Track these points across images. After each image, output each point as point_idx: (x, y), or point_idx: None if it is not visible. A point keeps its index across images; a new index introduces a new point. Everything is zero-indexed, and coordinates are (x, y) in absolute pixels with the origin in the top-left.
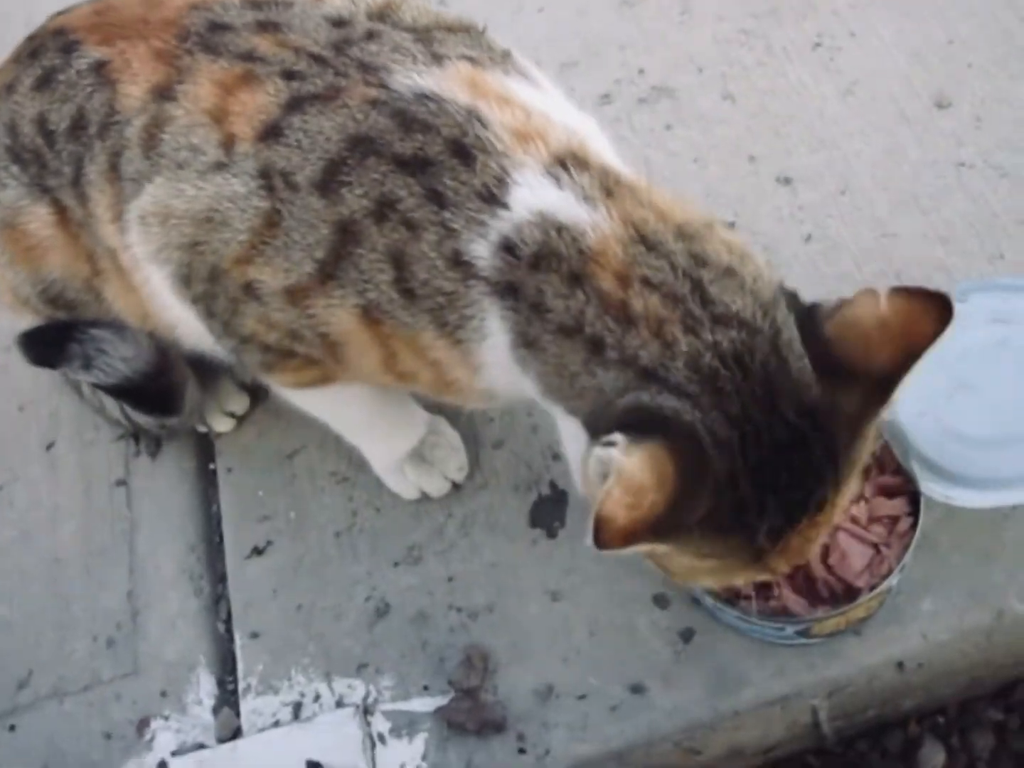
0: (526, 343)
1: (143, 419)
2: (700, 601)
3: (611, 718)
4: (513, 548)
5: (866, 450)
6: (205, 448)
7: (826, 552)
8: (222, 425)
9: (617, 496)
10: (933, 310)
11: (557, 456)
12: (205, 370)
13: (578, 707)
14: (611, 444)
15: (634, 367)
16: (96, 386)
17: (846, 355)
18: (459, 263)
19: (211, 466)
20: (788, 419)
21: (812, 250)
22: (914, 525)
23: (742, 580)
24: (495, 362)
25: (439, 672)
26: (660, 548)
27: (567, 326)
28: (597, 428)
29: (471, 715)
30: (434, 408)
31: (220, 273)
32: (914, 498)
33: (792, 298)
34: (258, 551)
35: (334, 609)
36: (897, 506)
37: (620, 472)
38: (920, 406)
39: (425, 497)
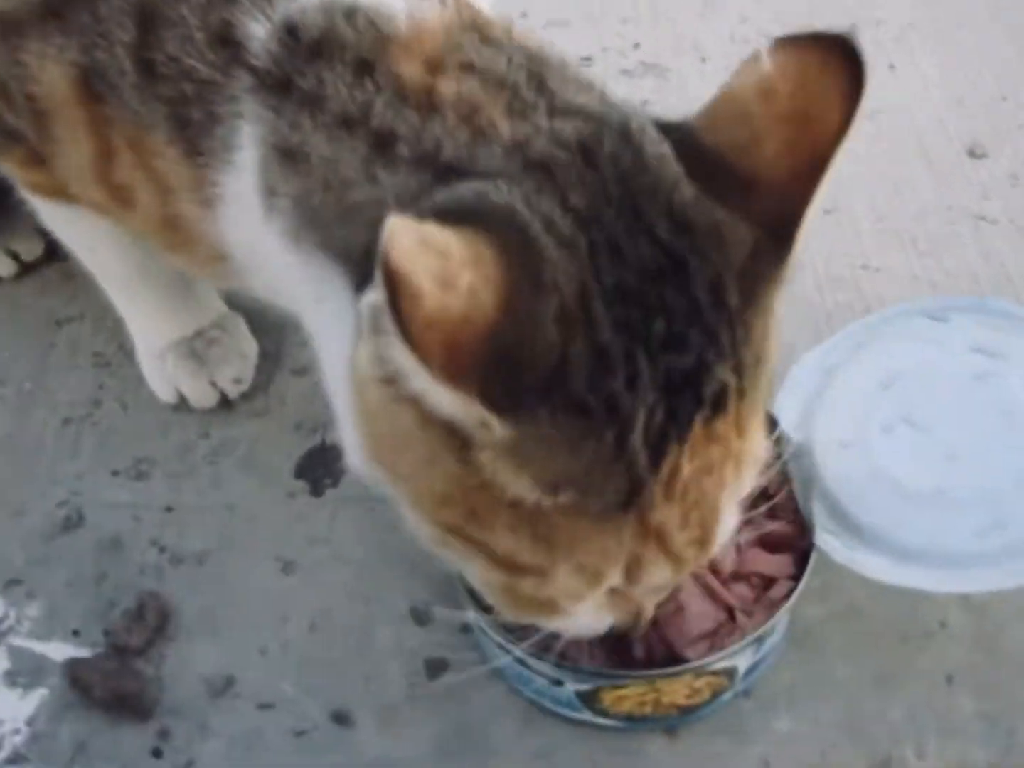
0: (282, 156)
1: None
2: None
3: (292, 747)
4: (262, 495)
5: (771, 341)
6: None
7: None
8: (2, 267)
9: (410, 248)
10: (835, 63)
11: None
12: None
13: (255, 719)
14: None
15: (433, 164)
16: None
17: (722, 151)
18: (226, 42)
19: None
20: (656, 232)
21: None
22: (791, 592)
23: (612, 563)
24: (237, 197)
25: (102, 617)
26: (497, 431)
27: (348, 117)
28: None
29: (107, 682)
30: (239, 308)
31: None
32: (805, 557)
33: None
34: None
35: (18, 505)
36: (778, 564)
37: (408, 225)
38: (845, 433)
39: (184, 405)
